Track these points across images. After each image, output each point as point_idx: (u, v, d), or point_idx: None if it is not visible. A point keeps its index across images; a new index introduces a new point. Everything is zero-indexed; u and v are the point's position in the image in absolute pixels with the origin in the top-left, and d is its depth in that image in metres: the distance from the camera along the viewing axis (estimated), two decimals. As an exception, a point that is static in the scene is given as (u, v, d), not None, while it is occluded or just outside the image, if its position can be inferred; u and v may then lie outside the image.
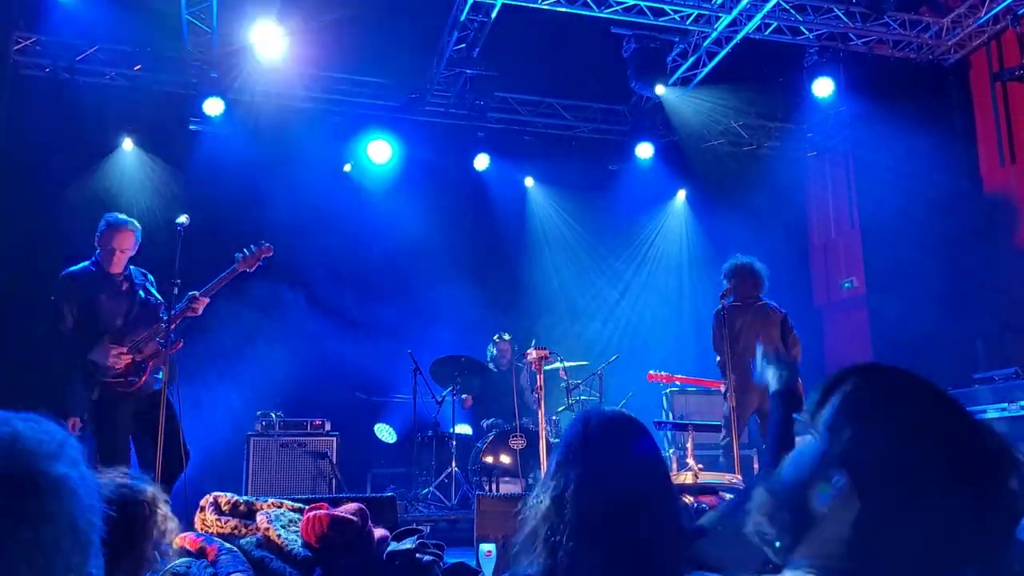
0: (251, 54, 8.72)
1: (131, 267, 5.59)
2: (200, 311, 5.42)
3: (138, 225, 5.57)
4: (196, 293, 5.37)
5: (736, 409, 6.40)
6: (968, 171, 9.31)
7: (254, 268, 5.62)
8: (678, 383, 7.82)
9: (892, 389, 1.25)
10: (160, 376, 5.30)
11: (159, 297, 5.54)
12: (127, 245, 5.44)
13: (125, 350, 5.26)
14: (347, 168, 10.29)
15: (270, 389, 8.71)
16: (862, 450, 1.19)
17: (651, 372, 7.67)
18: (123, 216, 5.59)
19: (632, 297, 10.48)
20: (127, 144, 9.31)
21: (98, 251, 5.46)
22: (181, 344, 5.41)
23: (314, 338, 9.54)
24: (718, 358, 6.57)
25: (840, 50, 9.21)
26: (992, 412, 6.94)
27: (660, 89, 9.24)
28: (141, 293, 5.51)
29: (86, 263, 5.47)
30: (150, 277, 5.67)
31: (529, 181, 11.11)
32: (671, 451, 8.04)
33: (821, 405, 1.28)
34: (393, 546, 3.86)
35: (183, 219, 5.42)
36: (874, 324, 9.81)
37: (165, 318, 5.29)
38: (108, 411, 5.22)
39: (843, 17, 8.97)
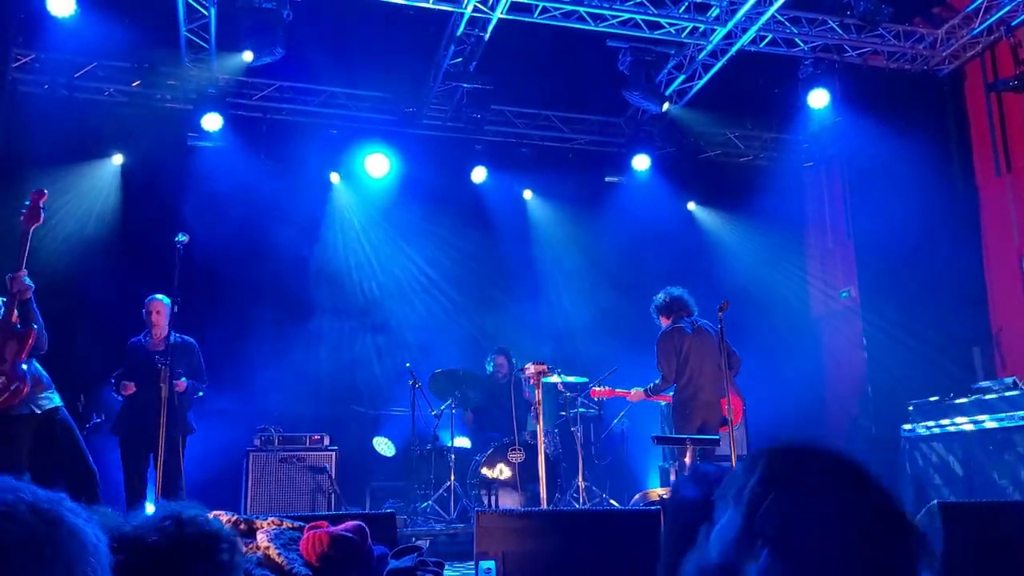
0: (249, 69, 8.76)
1: None
2: (24, 287, 5.07)
3: None
4: (9, 275, 5.06)
5: (681, 425, 6.98)
6: (963, 181, 9.35)
7: (42, 218, 5.19)
8: (622, 397, 7.74)
9: (807, 465, 1.28)
10: (51, 395, 5.15)
11: None
12: None
13: None
14: (335, 179, 10.29)
15: (268, 404, 8.72)
16: (782, 524, 1.21)
17: (593, 388, 7.78)
18: None
19: (630, 309, 10.48)
20: (115, 159, 9.33)
21: None
22: (34, 332, 5.09)
23: (312, 352, 9.56)
24: (660, 377, 7.17)
25: (835, 62, 9.26)
26: (990, 423, 6.95)
27: (666, 106, 9.32)
28: None
29: None
30: None
31: (528, 194, 11.13)
32: (670, 466, 8.04)
33: (742, 483, 1.29)
34: (393, 564, 3.86)
35: (182, 237, 5.40)
36: (869, 334, 9.82)
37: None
38: (1, 437, 5.00)
39: (838, 29, 9.02)
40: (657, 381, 7.21)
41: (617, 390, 7.52)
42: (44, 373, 5.21)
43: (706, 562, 1.29)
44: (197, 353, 7.06)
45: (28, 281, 5.03)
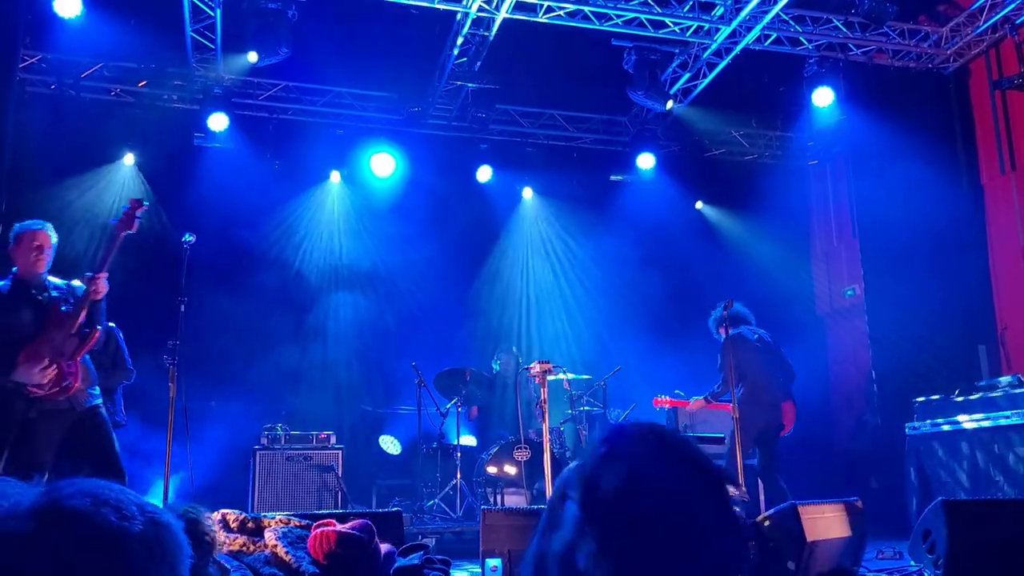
0: (255, 69, 8.78)
1: (48, 279, 5.27)
2: (102, 289, 5.10)
3: (46, 225, 5.28)
4: (88, 274, 5.09)
5: (745, 427, 7.11)
6: (969, 179, 9.34)
7: (135, 227, 5.24)
8: (682, 407, 8.02)
9: (621, 448, 1.31)
10: (96, 391, 5.15)
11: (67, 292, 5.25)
12: (39, 242, 5.16)
13: (47, 363, 4.97)
14: (335, 179, 10.32)
15: (275, 403, 8.76)
16: (602, 510, 1.24)
17: (656, 397, 7.97)
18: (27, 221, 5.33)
19: (635, 307, 10.50)
20: (127, 159, 9.37)
21: (14, 266, 5.21)
22: (99, 333, 5.15)
23: (318, 350, 9.59)
24: (721, 382, 7.41)
25: (840, 60, 9.25)
26: (997, 420, 6.95)
27: (670, 104, 9.31)
28: (54, 294, 5.20)
29: (3, 282, 5.18)
30: (62, 284, 5.30)
31: (527, 192, 11.11)
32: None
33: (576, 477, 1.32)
34: (400, 562, 3.89)
35: (189, 237, 5.41)
36: (874, 332, 9.82)
37: (66, 310, 5.08)
38: (34, 430, 4.99)
39: (842, 27, 9.02)
40: (716, 387, 7.45)
41: (678, 400, 7.85)
42: (92, 368, 5.22)
43: (546, 548, 1.30)
44: (116, 340, 6.79)
45: (106, 283, 5.07)
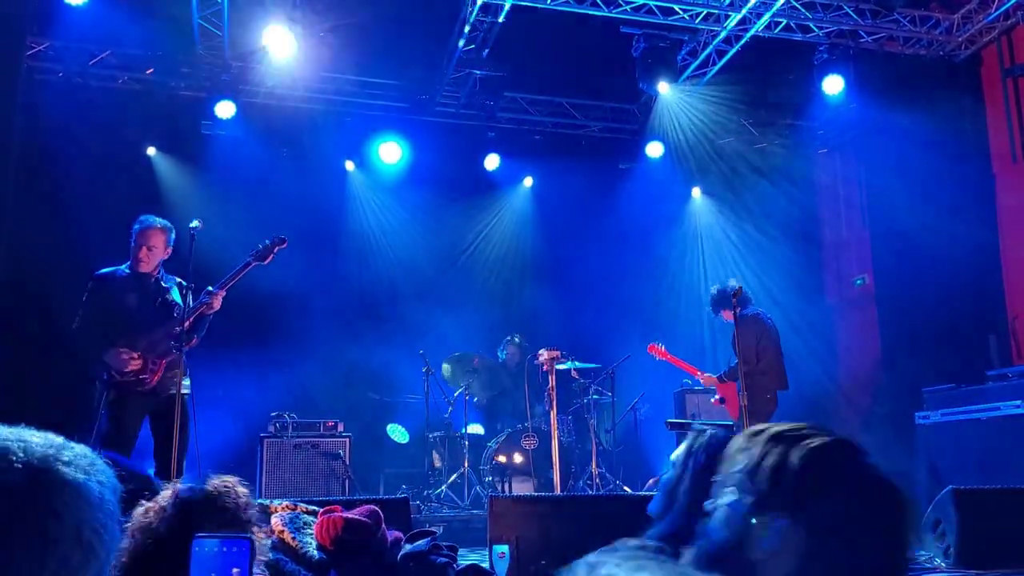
0: (262, 57, 8.76)
1: (164, 273, 5.59)
2: (217, 306, 5.41)
3: (168, 225, 5.56)
4: (211, 288, 5.38)
5: (759, 409, 6.98)
6: (980, 167, 9.27)
7: (268, 261, 5.59)
8: (671, 363, 7.92)
9: (813, 448, 1.41)
10: (185, 381, 5.30)
11: (181, 303, 5.53)
12: (152, 243, 5.44)
13: (136, 355, 5.24)
14: (349, 167, 10.30)
15: (283, 391, 8.76)
16: (797, 497, 1.35)
17: (652, 344, 7.88)
18: (152, 217, 5.59)
19: (644, 296, 10.47)
20: (151, 151, 9.39)
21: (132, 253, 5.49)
22: (195, 341, 5.40)
23: (326, 339, 9.59)
24: (741, 362, 7.03)
25: (850, 47, 9.18)
26: (1007, 409, 6.92)
27: (663, 87, 9.22)
28: (169, 295, 5.51)
29: (122, 265, 5.50)
30: (185, 284, 5.53)
31: (528, 181, 11.06)
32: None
33: (747, 467, 1.43)
34: (407, 548, 3.88)
35: (196, 224, 5.42)
36: (884, 321, 9.78)
37: (179, 318, 5.32)
38: (118, 409, 5.26)
39: (853, 14, 8.94)
40: (732, 367, 7.22)
41: (675, 358, 7.77)
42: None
43: (712, 545, 1.41)
44: None
45: (219, 304, 5.41)
